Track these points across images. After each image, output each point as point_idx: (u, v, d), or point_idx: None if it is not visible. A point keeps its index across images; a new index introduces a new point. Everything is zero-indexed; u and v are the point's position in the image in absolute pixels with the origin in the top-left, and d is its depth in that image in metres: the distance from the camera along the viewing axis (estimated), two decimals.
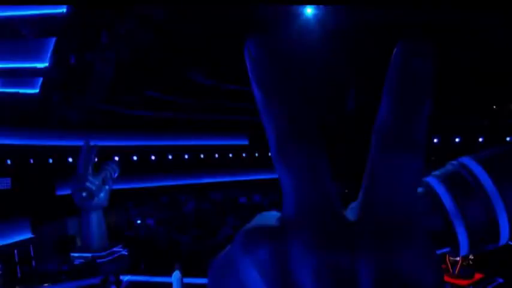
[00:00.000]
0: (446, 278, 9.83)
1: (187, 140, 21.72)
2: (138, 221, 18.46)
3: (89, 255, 13.41)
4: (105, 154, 15.65)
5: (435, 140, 17.82)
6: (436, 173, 0.65)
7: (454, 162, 0.65)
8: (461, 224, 0.62)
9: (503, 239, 0.62)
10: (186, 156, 22.50)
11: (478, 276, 10.25)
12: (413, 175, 0.52)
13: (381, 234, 0.51)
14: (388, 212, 0.52)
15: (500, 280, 10.24)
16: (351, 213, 0.55)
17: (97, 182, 13.29)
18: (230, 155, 23.59)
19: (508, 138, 15.50)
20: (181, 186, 21.38)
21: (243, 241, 0.51)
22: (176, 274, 9.73)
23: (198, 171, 22.01)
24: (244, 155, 23.45)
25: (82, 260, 13.34)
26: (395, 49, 0.50)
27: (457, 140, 17.64)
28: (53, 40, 11.72)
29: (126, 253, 14.60)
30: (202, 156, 22.86)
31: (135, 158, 20.77)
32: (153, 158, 21.50)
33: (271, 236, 0.51)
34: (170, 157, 21.91)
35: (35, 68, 12.63)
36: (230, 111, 19.36)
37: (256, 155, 22.54)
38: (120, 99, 16.00)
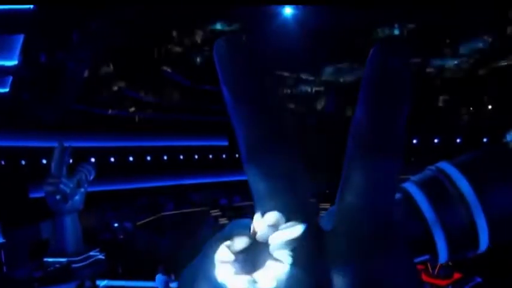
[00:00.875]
0: (426, 278, 9.91)
1: (167, 141, 21.45)
2: (116, 224, 18.10)
3: (64, 260, 13.00)
4: (81, 155, 15.30)
5: (414, 141, 18.13)
6: (414, 178, 0.65)
7: (431, 167, 0.66)
8: (439, 231, 0.61)
9: (483, 245, 0.63)
10: (165, 158, 22.26)
11: (457, 276, 10.37)
12: (390, 180, 0.50)
13: (357, 243, 0.50)
14: (364, 220, 0.50)
15: (479, 279, 10.38)
16: (328, 219, 0.55)
17: (71, 185, 12.93)
18: (210, 156, 23.46)
19: (484, 139, 15.89)
20: (160, 188, 21.11)
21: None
22: (159, 277, 9.64)
23: (177, 172, 21.78)
24: (224, 156, 23.37)
25: (56, 265, 12.93)
26: (372, 49, 0.49)
27: (435, 140, 17.99)
28: (22, 38, 11.31)
29: (103, 257, 14.23)
30: (181, 157, 22.65)
31: (112, 159, 20.35)
32: (131, 159, 21.13)
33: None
34: (149, 158, 21.68)
35: (3, 66, 12.18)
36: (210, 111, 19.22)
37: (237, 156, 22.33)
38: (97, 99, 15.64)
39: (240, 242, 0.56)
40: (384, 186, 0.51)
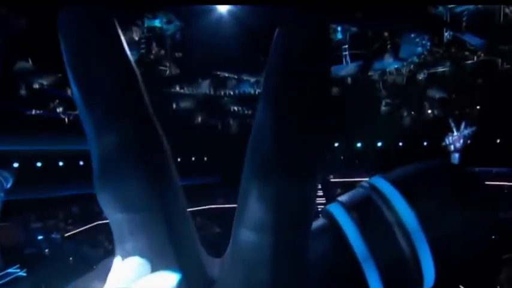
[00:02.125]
0: None
1: None
2: (40, 236, 16.74)
3: None
4: (2, 160, 14.05)
5: (358, 145, 18.55)
6: (342, 198, 0.54)
7: (364, 183, 0.55)
8: (372, 265, 0.50)
9: (428, 281, 0.52)
10: None
11: None
12: (302, 208, 0.37)
13: None
14: (263, 263, 0.37)
15: None
16: (221, 262, 0.43)
17: None
18: None
19: (425, 143, 16.60)
20: (94, 195, 19.90)
21: None
22: None
23: None
24: None
25: None
26: (275, 35, 0.40)
27: (379, 144, 18.55)
28: None
29: (25, 274, 13.10)
30: None
31: (39, 164, 19.18)
32: (61, 164, 20.05)
33: None
34: (81, 163, 20.47)
35: None
36: None
37: (179, 160, 21.85)
38: (16, 97, 14.33)
39: None
40: (291, 217, 0.40)
